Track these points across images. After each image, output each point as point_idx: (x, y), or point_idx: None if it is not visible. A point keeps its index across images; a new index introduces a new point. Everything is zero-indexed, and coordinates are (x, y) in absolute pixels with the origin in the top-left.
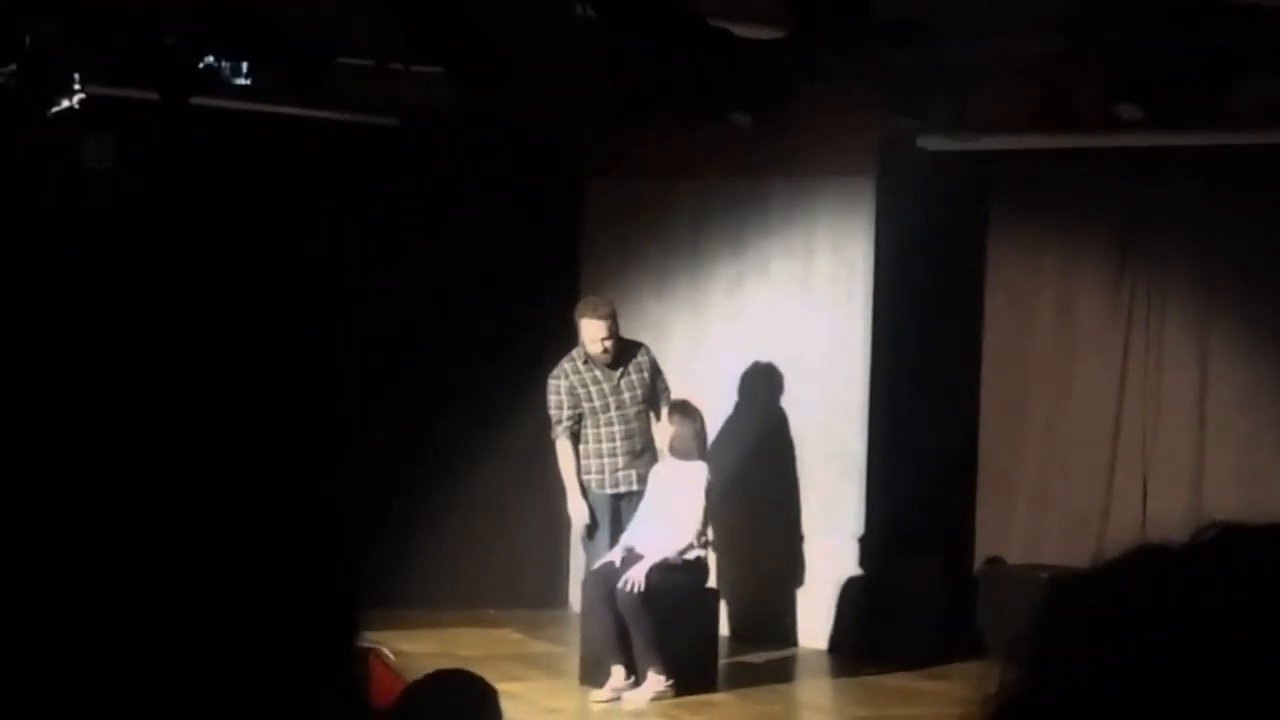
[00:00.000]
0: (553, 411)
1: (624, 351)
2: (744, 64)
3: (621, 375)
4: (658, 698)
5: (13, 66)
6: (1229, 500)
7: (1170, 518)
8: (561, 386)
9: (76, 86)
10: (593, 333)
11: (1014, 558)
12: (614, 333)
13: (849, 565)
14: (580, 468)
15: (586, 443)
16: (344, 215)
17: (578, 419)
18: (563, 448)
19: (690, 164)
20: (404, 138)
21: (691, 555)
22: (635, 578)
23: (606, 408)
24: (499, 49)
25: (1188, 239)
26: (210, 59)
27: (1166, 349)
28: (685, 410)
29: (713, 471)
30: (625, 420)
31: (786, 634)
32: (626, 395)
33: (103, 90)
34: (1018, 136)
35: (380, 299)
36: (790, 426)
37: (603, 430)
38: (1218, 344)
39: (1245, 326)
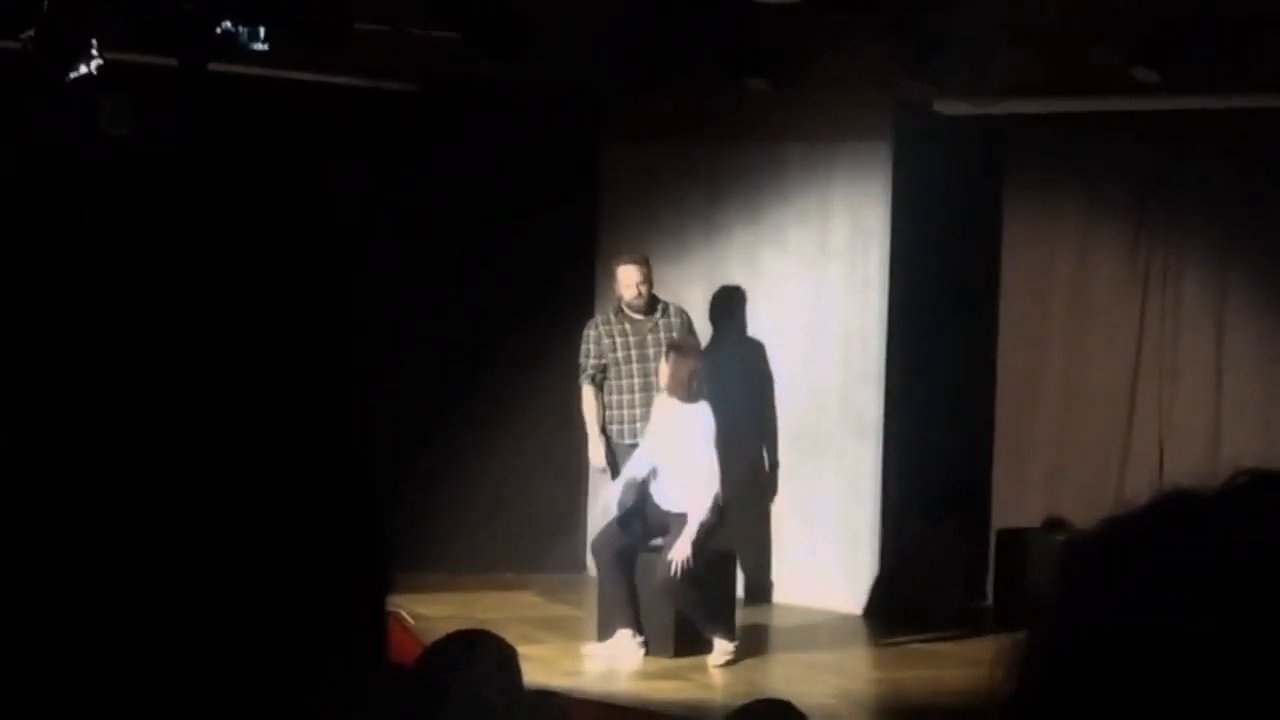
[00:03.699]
0: (580, 360)
1: (658, 307)
2: (760, 28)
3: (650, 330)
4: (727, 663)
5: (30, 32)
6: (1246, 463)
7: (1186, 482)
8: (590, 335)
9: (94, 52)
10: (627, 278)
11: (1030, 521)
12: (648, 279)
13: (865, 529)
14: (605, 417)
15: (610, 393)
16: (362, 181)
17: (602, 369)
18: (584, 394)
19: (707, 129)
20: (422, 103)
21: (709, 517)
22: (679, 558)
23: (629, 359)
24: (517, 14)
25: (1205, 203)
26: (228, 24)
27: (1183, 313)
28: (679, 349)
29: (721, 424)
30: (645, 374)
31: (801, 597)
32: (651, 350)
33: (121, 56)
34: (1034, 100)
35: (399, 265)
36: (807, 392)
37: (624, 381)
38: (1235, 308)
39: (1262, 291)
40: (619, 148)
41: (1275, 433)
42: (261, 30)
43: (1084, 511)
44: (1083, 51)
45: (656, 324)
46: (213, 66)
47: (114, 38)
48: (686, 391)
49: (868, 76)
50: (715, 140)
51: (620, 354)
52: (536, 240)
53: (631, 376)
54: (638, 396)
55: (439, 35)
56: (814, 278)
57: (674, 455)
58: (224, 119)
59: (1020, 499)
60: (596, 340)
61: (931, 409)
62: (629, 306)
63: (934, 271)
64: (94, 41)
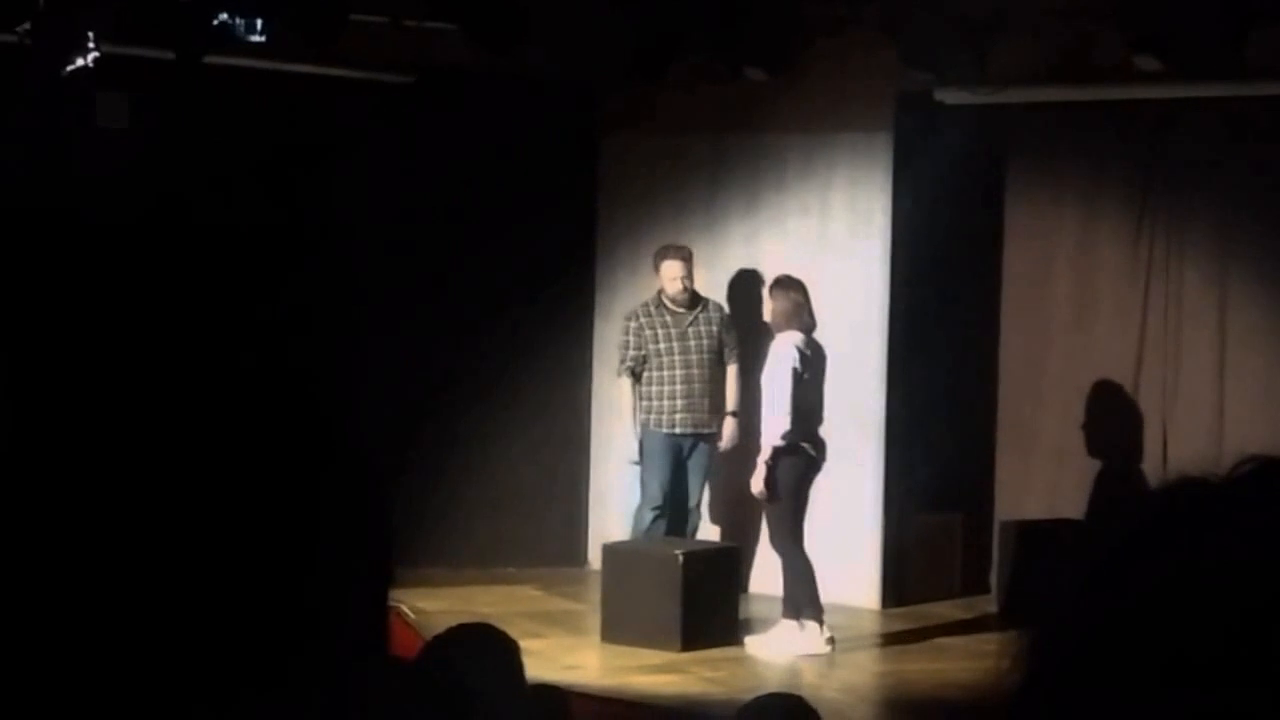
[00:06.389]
0: (619, 350)
1: (699, 302)
2: (759, 18)
3: (690, 324)
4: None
5: (26, 25)
6: (1250, 451)
7: (1192, 471)
8: (630, 328)
9: (90, 45)
10: (672, 272)
11: (1034, 513)
12: (690, 272)
13: (869, 523)
14: (642, 406)
15: (649, 384)
16: (359, 173)
17: (640, 360)
18: (621, 384)
19: (705, 120)
20: (419, 95)
21: (782, 440)
22: (756, 489)
23: (670, 351)
24: (513, 5)
25: (1206, 190)
26: (224, 16)
27: (1186, 300)
28: (779, 283)
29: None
30: (686, 365)
31: None
32: (692, 343)
33: (117, 49)
34: (1036, 89)
35: (396, 257)
36: None
37: (664, 373)
38: (1237, 294)
39: (1265, 277)
40: (618, 139)
41: (1279, 414)
42: (258, 22)
43: (1088, 502)
44: (1084, 39)
45: (697, 318)
46: (209, 59)
47: (110, 31)
48: (778, 325)
49: (868, 66)
50: (714, 131)
51: (661, 345)
52: (535, 232)
53: (672, 368)
54: (678, 388)
55: (435, 27)
56: (815, 268)
57: (763, 385)
58: (220, 111)
59: (1024, 490)
60: (637, 331)
61: (934, 400)
62: (672, 300)
63: (936, 262)
64: (90, 35)
